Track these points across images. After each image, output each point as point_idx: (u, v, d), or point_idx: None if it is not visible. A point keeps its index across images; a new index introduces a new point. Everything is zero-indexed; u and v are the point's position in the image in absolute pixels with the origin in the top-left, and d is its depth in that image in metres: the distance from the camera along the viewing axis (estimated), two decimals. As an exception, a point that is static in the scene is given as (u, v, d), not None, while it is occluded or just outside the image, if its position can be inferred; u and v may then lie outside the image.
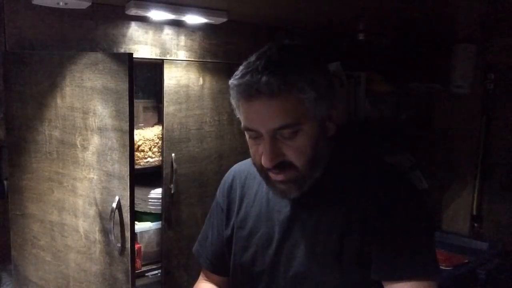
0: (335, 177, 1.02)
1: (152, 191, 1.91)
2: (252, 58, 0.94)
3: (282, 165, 0.95)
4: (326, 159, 1.01)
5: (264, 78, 0.89)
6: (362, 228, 0.96)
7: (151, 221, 1.89)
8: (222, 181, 1.22)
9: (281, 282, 1.04)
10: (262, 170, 0.99)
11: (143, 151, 1.82)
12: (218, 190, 1.22)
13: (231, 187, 1.17)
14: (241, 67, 0.95)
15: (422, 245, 0.95)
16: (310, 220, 1.02)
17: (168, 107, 1.81)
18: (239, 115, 0.99)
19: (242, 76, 0.92)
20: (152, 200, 1.90)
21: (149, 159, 1.84)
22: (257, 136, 0.96)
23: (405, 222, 0.95)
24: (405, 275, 0.93)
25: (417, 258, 0.94)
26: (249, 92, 0.91)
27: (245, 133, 0.99)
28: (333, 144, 1.03)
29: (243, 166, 1.20)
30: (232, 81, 0.95)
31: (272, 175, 0.97)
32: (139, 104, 1.92)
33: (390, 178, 1.01)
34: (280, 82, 0.89)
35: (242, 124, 0.98)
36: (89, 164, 1.44)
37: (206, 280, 1.24)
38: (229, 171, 1.22)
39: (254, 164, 1.01)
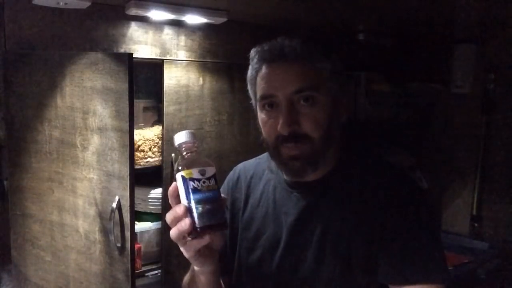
0: (342, 179, 1.01)
1: (152, 191, 1.91)
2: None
3: (297, 136, 0.95)
4: (333, 155, 1.01)
5: (287, 42, 0.97)
6: (369, 230, 0.96)
7: (151, 221, 1.89)
8: (226, 179, 1.20)
9: (288, 284, 1.03)
10: (275, 147, 0.98)
11: (143, 151, 1.82)
12: (221, 188, 1.21)
13: (236, 186, 1.16)
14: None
15: (429, 247, 0.94)
16: (318, 222, 1.00)
17: (168, 107, 1.81)
18: (254, 95, 1.02)
19: (267, 43, 0.99)
20: (152, 200, 1.91)
21: (149, 159, 1.84)
22: (273, 103, 0.97)
23: (412, 224, 0.94)
24: (410, 278, 0.92)
25: (423, 261, 0.93)
26: (273, 55, 0.97)
27: (259, 109, 1.00)
28: (340, 144, 1.03)
29: (248, 165, 1.18)
30: (254, 49, 1.01)
31: (286, 150, 0.96)
32: (139, 104, 1.92)
33: (396, 180, 1.00)
34: (303, 47, 0.96)
35: (259, 94, 0.99)
36: (89, 164, 1.44)
37: None
38: (234, 169, 1.21)
39: (267, 143, 1.00)
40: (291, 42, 0.96)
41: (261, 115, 1.00)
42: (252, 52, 1.00)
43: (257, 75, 0.99)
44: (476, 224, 2.56)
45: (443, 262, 0.95)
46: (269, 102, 0.97)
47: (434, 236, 0.97)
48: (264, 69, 0.98)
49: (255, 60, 1.00)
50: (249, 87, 1.04)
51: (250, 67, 1.02)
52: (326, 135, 0.96)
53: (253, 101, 1.05)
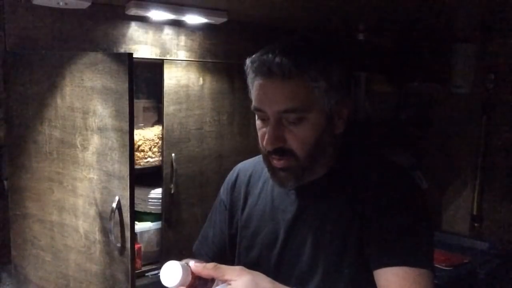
0: (341, 176, 1.02)
1: (152, 191, 1.91)
2: (269, 45, 0.97)
3: (282, 151, 0.96)
4: (331, 156, 1.01)
5: (277, 59, 0.91)
6: (363, 227, 0.96)
7: (151, 221, 1.89)
8: (226, 179, 1.22)
9: (286, 281, 1.04)
10: (265, 155, 1.00)
11: (143, 151, 1.82)
12: (221, 188, 1.22)
13: (234, 185, 1.17)
14: (261, 49, 0.98)
15: (417, 237, 0.94)
16: (315, 219, 1.02)
17: (168, 107, 1.81)
18: (251, 95, 1.01)
19: (259, 55, 0.95)
20: (152, 200, 1.90)
21: (149, 159, 1.84)
22: (265, 118, 0.97)
23: (402, 215, 0.94)
24: (395, 261, 0.91)
25: (410, 247, 0.92)
26: (261, 70, 0.94)
27: (255, 114, 1.01)
28: (340, 142, 1.03)
29: (248, 165, 1.20)
30: (248, 59, 0.98)
31: (273, 161, 0.98)
32: (139, 104, 1.92)
33: (392, 175, 1.01)
34: (292, 65, 0.91)
35: (252, 103, 0.99)
36: (89, 164, 1.44)
37: None
38: (234, 169, 1.22)
39: (260, 148, 1.02)
40: (282, 59, 0.91)
41: (256, 121, 1.02)
42: (247, 61, 0.99)
43: (253, 83, 0.99)
44: (476, 224, 2.56)
45: (430, 254, 0.95)
46: (260, 114, 0.98)
47: (424, 229, 0.96)
48: (256, 82, 0.97)
49: (249, 70, 0.99)
50: (249, 86, 1.04)
51: (246, 68, 1.01)
52: (313, 151, 0.96)
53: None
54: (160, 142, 1.85)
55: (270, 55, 0.92)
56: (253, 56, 0.97)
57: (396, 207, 0.95)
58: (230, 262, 1.16)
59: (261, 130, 0.99)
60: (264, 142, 0.96)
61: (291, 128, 0.94)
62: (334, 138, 1.00)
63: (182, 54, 1.91)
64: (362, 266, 0.96)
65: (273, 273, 1.05)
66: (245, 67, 0.99)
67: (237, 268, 0.89)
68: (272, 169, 1.01)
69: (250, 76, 0.99)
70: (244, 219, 1.13)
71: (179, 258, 2.04)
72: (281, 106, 0.93)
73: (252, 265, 1.09)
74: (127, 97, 1.35)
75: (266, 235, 1.08)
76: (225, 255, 1.17)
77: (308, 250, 1.01)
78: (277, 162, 0.98)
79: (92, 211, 1.44)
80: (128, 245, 1.40)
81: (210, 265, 0.87)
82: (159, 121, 1.92)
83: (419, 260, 0.92)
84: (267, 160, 1.01)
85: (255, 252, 1.09)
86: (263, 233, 1.08)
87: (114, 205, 1.38)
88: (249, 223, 1.11)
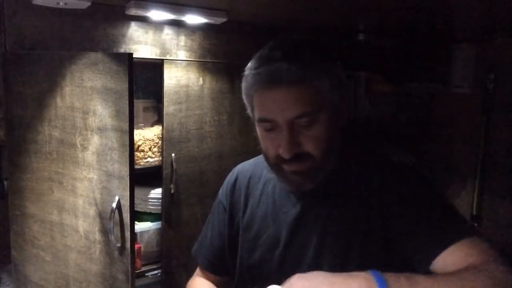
0: (341, 179, 1.02)
1: (152, 191, 1.91)
2: (265, 51, 0.95)
3: (299, 156, 0.95)
4: (337, 153, 1.01)
5: (285, 66, 0.91)
6: (368, 228, 0.96)
7: (151, 221, 1.90)
8: (225, 181, 1.21)
9: None
10: (275, 163, 0.99)
11: (143, 151, 1.82)
12: (220, 190, 1.21)
13: (234, 187, 1.17)
14: (253, 60, 0.96)
15: (448, 214, 0.95)
16: (318, 220, 1.01)
17: (168, 107, 1.81)
18: (251, 109, 0.99)
19: (260, 66, 0.93)
20: (152, 200, 1.91)
21: (149, 159, 1.84)
22: (272, 127, 0.96)
23: (425, 202, 0.95)
24: (445, 242, 0.90)
25: (448, 224, 0.93)
26: (269, 80, 0.92)
27: (258, 126, 0.99)
28: (341, 143, 1.03)
29: (247, 166, 1.19)
30: (249, 72, 0.96)
31: (287, 166, 0.97)
32: (139, 104, 1.93)
33: (399, 171, 1.01)
34: (299, 70, 0.91)
35: (257, 116, 0.97)
36: (89, 164, 1.44)
37: (202, 277, 1.24)
38: (232, 171, 1.22)
39: (267, 157, 1.01)
40: (291, 66, 0.91)
41: (260, 131, 1.00)
42: (245, 74, 0.97)
43: (254, 92, 0.97)
44: (476, 224, 2.56)
45: (466, 221, 0.97)
46: (267, 125, 0.96)
47: (451, 206, 0.98)
48: (261, 91, 0.95)
49: (248, 84, 0.97)
50: (244, 97, 1.02)
51: (244, 79, 0.98)
52: (327, 149, 0.96)
53: (249, 112, 1.03)
54: (160, 142, 1.85)
55: (276, 63, 0.91)
56: (254, 67, 0.95)
57: (417, 198, 0.95)
58: (231, 263, 1.16)
59: (269, 138, 0.98)
60: (282, 152, 0.94)
61: (304, 131, 0.94)
62: (339, 132, 1.01)
63: (182, 54, 1.91)
64: (366, 267, 0.96)
65: (275, 275, 1.05)
66: (245, 76, 0.97)
67: None
68: (284, 175, 0.99)
69: (251, 86, 0.96)
70: (245, 221, 1.12)
71: (179, 258, 2.05)
72: (294, 112, 0.92)
73: (254, 267, 1.09)
74: (127, 97, 1.35)
75: (268, 237, 1.07)
76: (224, 257, 1.17)
77: (311, 252, 1.01)
78: (291, 166, 0.96)
79: (92, 211, 1.44)
80: (128, 245, 1.40)
81: None
82: (159, 121, 1.92)
83: (465, 231, 0.93)
84: (277, 167, 0.99)
85: (257, 254, 1.09)
86: (265, 235, 1.08)
87: (114, 205, 1.38)
88: (251, 225, 1.11)
